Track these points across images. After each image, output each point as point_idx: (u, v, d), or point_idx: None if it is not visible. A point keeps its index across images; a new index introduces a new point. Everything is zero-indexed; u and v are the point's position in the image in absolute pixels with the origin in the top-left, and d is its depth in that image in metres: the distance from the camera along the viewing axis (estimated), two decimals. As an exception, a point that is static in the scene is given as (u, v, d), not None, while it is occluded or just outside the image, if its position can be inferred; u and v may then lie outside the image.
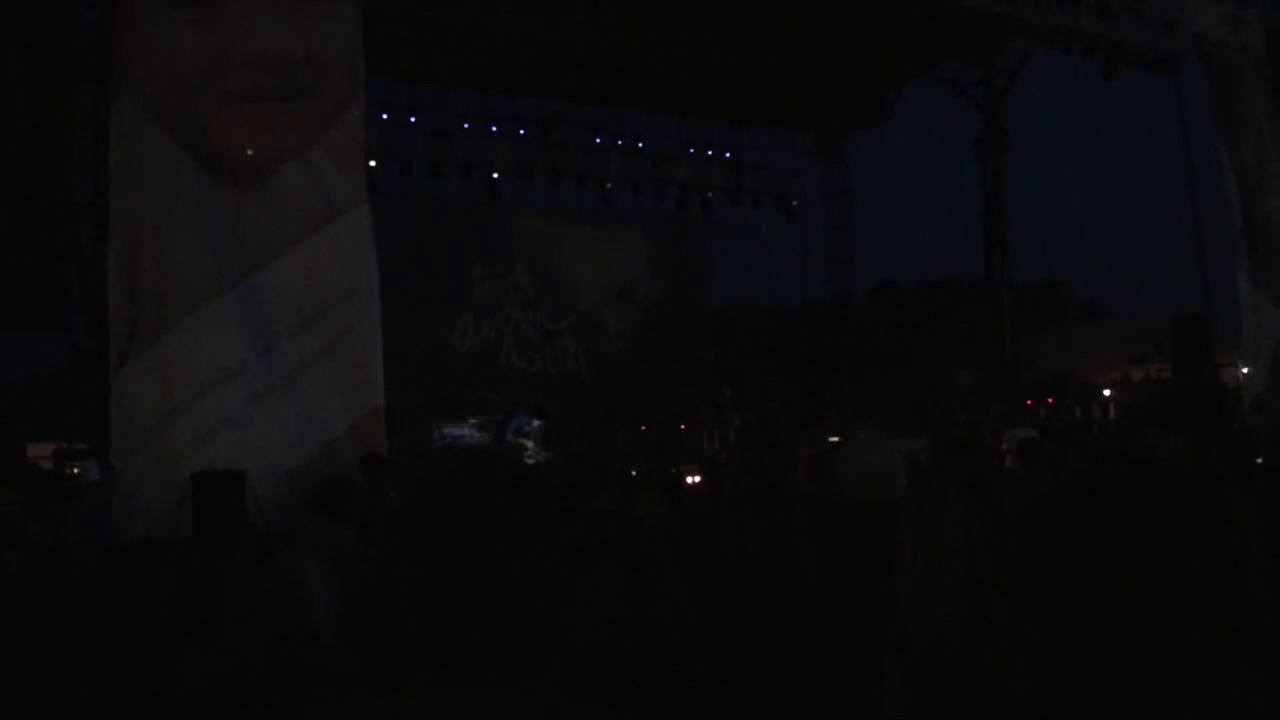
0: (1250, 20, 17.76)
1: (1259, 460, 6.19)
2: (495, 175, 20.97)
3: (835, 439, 16.62)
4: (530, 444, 15.78)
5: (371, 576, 4.20)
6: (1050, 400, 20.11)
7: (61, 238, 11.01)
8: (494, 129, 21.07)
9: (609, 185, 22.33)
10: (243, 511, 8.35)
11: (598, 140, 22.39)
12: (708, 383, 21.82)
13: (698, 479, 11.66)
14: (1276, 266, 16.61)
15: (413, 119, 20.24)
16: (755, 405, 19.57)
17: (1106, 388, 21.62)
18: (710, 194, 23.56)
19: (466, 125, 20.84)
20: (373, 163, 17.29)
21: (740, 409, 18.43)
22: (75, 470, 10.08)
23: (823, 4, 16.06)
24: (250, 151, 9.87)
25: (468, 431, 17.51)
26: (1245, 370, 16.97)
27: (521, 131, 21.33)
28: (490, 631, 1.32)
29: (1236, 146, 16.78)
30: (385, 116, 19.40)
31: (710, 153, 23.54)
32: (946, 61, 21.96)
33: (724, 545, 3.47)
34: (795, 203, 24.58)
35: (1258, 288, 16.29)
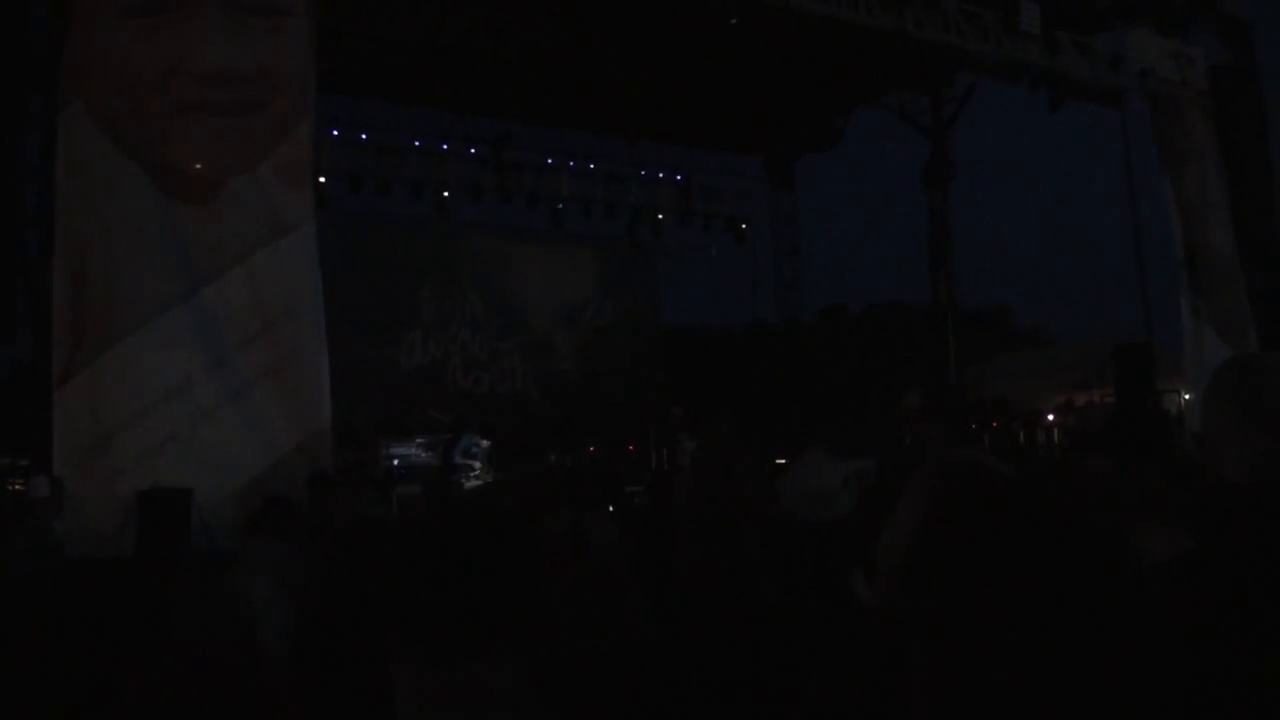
0: (1194, 56, 18.18)
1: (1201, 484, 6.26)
2: (445, 194, 20.88)
3: (782, 461, 16.70)
4: (478, 465, 15.69)
5: (319, 596, 4.16)
6: (995, 424, 20.31)
7: (8, 248, 10.84)
8: (445, 147, 20.99)
9: (560, 205, 22.32)
10: (188, 530, 8.26)
11: (549, 160, 22.37)
12: (656, 403, 21.83)
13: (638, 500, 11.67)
14: (1217, 295, 16.96)
15: (363, 136, 20.13)
16: (705, 426, 19.60)
17: (1050, 412, 21.89)
18: (660, 216, 23.62)
19: (417, 143, 20.73)
20: (322, 179, 17.18)
21: (689, 430, 18.46)
22: (18, 486, 9.91)
23: (773, 30, 16.19)
24: (199, 165, 9.80)
25: (414, 451, 17.38)
26: (1188, 397, 17.28)
27: (472, 150, 21.26)
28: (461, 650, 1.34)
29: (1179, 178, 17.14)
30: (335, 133, 19.29)
31: (661, 175, 23.62)
32: (895, 90, 22.22)
33: (678, 566, 3.48)
34: (744, 226, 24.72)
35: (1199, 316, 16.62)
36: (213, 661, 2.88)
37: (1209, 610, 1.59)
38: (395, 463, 16.66)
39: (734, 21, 15.67)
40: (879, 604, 1.11)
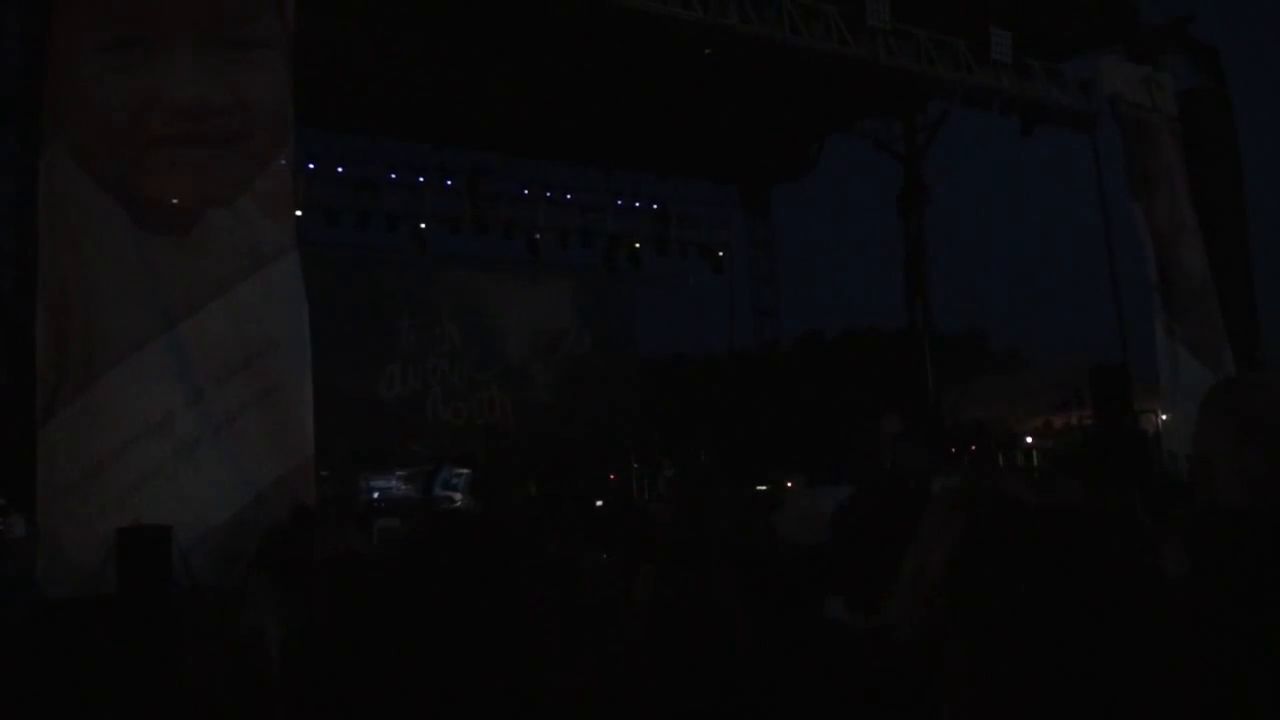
0: (1164, 82, 18.41)
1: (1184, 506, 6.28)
2: (422, 226, 20.90)
3: (762, 488, 16.73)
4: (458, 496, 15.65)
5: (306, 629, 4.12)
6: (973, 448, 20.37)
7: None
8: (421, 180, 21.00)
9: (537, 236, 22.34)
10: (169, 568, 8.18)
11: (525, 191, 22.39)
12: (636, 432, 21.80)
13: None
14: (1191, 316, 17.10)
15: (339, 170, 20.10)
16: (685, 455, 19.60)
17: (1029, 435, 21.98)
18: (638, 245, 23.66)
19: (393, 176, 20.75)
20: (298, 213, 17.13)
21: (670, 457, 18.47)
22: (-1, 528, 9.81)
23: (746, 60, 16.29)
24: (177, 199, 9.74)
25: (394, 484, 17.31)
26: (1165, 418, 17.38)
27: (449, 182, 21.26)
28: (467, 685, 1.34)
29: (1151, 202, 17.30)
30: (311, 167, 19.25)
31: (637, 204, 23.66)
32: (868, 117, 22.36)
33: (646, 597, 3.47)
34: (722, 253, 24.78)
35: (1174, 337, 16.74)
36: (231, 700, 2.86)
37: (1209, 633, 1.60)
38: (375, 495, 16.59)
39: (708, 52, 15.77)
40: (905, 629, 1.12)
